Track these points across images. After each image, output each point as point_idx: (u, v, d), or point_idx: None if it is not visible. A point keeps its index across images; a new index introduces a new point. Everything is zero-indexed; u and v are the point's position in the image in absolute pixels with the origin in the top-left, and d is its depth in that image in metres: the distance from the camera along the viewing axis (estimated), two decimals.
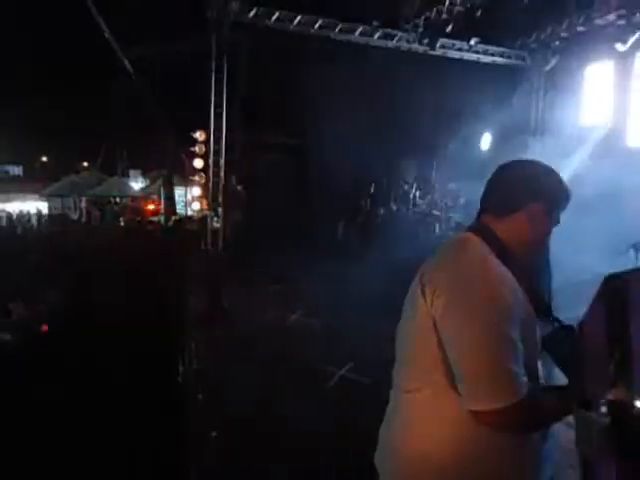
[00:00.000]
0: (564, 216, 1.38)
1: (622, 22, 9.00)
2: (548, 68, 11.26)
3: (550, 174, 1.36)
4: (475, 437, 1.19)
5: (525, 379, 1.16)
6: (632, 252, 5.30)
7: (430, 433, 1.25)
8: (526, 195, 1.32)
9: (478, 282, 1.19)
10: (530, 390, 1.16)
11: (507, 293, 1.18)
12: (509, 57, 11.54)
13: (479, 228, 1.36)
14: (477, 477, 1.23)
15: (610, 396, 1.01)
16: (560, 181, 1.35)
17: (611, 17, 9.18)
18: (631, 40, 8.91)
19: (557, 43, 10.57)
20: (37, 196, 23.86)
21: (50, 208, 23.20)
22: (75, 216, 22.16)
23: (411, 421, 1.31)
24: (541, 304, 1.29)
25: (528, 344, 1.21)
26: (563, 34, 10.32)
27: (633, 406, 0.99)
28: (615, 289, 1.10)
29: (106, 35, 11.01)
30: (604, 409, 0.99)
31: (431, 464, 1.25)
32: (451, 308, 1.21)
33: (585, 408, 1.05)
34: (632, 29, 8.83)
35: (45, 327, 9.75)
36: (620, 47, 9.05)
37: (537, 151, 12.08)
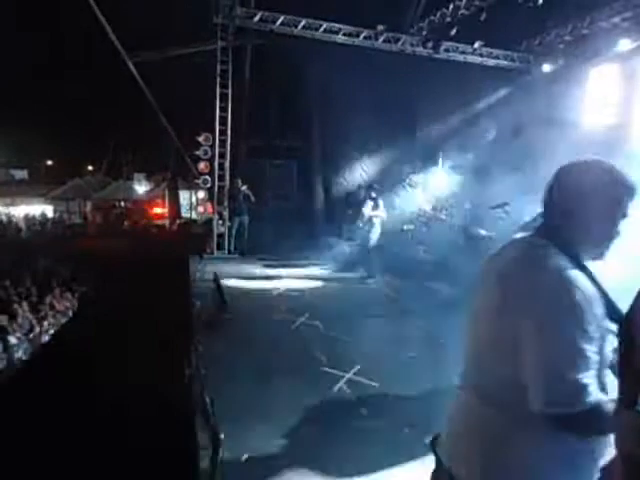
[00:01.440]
0: None
1: (626, 24, 9.02)
2: (552, 70, 11.26)
3: (609, 173, 1.39)
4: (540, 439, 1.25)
5: (594, 389, 1.20)
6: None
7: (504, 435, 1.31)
8: (588, 198, 1.36)
9: (559, 293, 1.24)
10: (598, 401, 1.20)
11: (587, 304, 1.23)
12: (513, 60, 11.56)
13: (550, 234, 1.39)
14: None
15: None
16: (620, 178, 1.39)
17: (616, 20, 9.19)
18: (636, 42, 8.92)
19: (561, 46, 10.58)
20: (42, 199, 24.00)
21: (55, 212, 23.33)
22: (79, 219, 22.25)
23: (488, 429, 1.35)
24: (613, 309, 1.31)
25: (602, 354, 1.26)
26: (567, 37, 10.34)
27: None
28: None
29: (112, 39, 11.11)
30: None
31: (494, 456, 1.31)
32: (533, 316, 1.25)
33: (629, 406, 1.06)
34: (637, 31, 8.83)
35: (50, 330, 9.79)
36: (624, 48, 9.06)
37: (541, 153, 12.09)
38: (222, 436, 3.09)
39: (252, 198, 10.46)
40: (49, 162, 34.11)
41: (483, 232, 8.08)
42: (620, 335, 1.21)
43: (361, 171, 10.75)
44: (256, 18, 9.95)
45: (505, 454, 1.30)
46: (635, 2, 8.68)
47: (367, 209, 9.31)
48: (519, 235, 1.50)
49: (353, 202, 10.01)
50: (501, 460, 1.31)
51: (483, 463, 1.33)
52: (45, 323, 10.11)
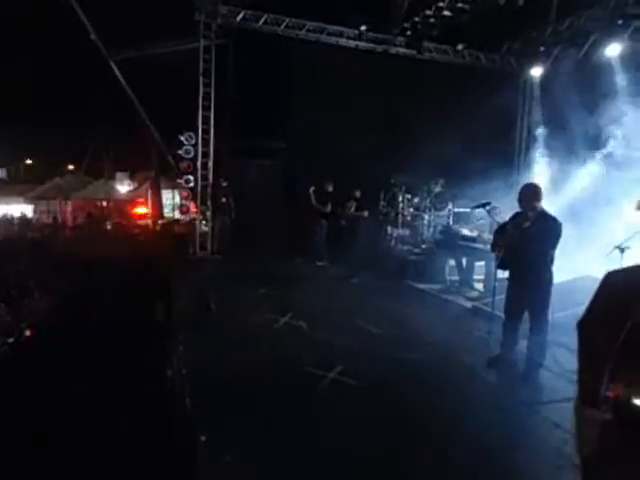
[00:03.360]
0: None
1: (604, 28, 9.17)
2: (534, 72, 11.41)
3: None
4: None
5: None
6: (617, 253, 5.40)
7: None
8: None
9: None
10: None
11: None
12: (494, 61, 11.69)
13: None
14: None
15: (611, 392, 0.99)
16: None
17: (594, 23, 9.35)
18: (613, 45, 9.07)
19: (542, 48, 10.72)
20: (22, 199, 23.54)
21: (35, 211, 22.90)
22: (49, 219, 21.57)
23: None
24: None
25: None
26: (548, 39, 10.48)
27: (632, 403, 0.98)
28: (615, 284, 1.11)
29: (92, 37, 10.94)
30: (605, 406, 0.99)
31: None
32: None
33: (588, 405, 1.05)
34: (615, 34, 8.98)
35: (30, 332, 9.60)
36: (606, 52, 9.21)
37: (522, 153, 12.26)
38: (203, 438, 3.06)
39: (231, 202, 10.45)
40: (29, 161, 33.49)
41: (466, 232, 8.16)
42: (578, 334, 1.20)
43: (346, 171, 10.73)
44: (239, 17, 9.90)
45: None
46: (611, 5, 8.83)
47: (350, 209, 9.37)
48: None
49: (337, 202, 10.04)
50: None
51: None
52: (23, 326, 9.91)
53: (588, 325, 1.17)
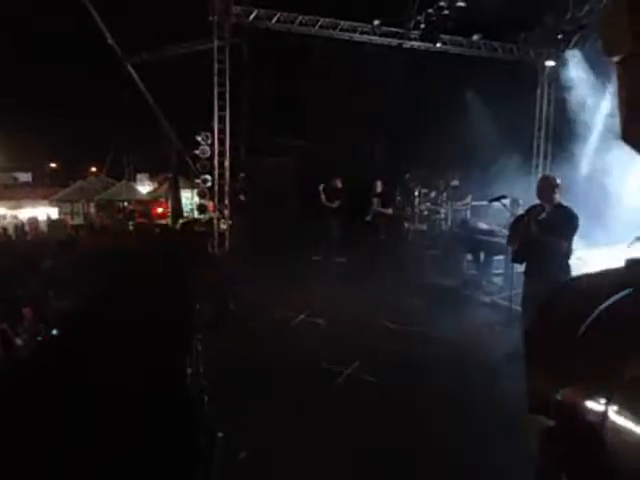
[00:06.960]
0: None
1: None
2: (552, 62, 11.18)
3: None
4: None
5: None
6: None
7: None
8: None
9: None
10: None
11: None
12: (511, 51, 11.47)
13: None
14: None
15: (559, 397, 0.89)
16: None
17: None
18: None
19: (560, 36, 10.49)
20: (47, 202, 24.14)
21: (60, 213, 23.46)
22: (79, 221, 22.09)
23: None
24: None
25: None
26: (566, 27, 10.25)
27: (579, 407, 0.84)
28: (574, 289, 1.06)
29: (109, 41, 11.13)
30: (552, 412, 0.89)
31: None
32: None
33: (535, 411, 0.96)
34: None
35: (55, 332, 9.86)
36: None
37: (542, 145, 12.04)
38: (220, 434, 3.11)
39: (249, 200, 10.54)
40: (52, 164, 34.26)
41: (483, 225, 8.07)
42: (525, 342, 1.10)
43: (364, 167, 10.71)
44: (252, 16, 9.94)
45: None
46: None
47: (376, 204, 9.32)
48: None
49: (358, 198, 9.98)
50: None
51: None
52: (50, 326, 10.18)
53: (536, 334, 1.07)
